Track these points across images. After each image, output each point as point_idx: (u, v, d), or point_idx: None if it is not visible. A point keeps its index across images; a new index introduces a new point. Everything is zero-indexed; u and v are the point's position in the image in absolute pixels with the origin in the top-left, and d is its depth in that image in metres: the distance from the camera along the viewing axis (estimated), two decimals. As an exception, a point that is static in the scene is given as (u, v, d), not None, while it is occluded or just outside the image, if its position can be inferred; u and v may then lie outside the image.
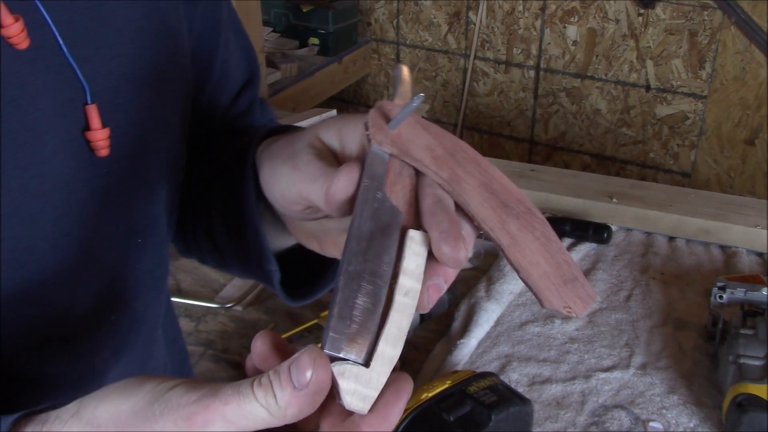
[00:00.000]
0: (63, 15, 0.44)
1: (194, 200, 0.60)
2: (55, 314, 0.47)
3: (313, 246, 0.50)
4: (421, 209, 0.38)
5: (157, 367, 0.60)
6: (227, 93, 0.63)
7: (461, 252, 0.36)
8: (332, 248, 0.49)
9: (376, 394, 0.35)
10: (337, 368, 0.34)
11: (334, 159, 0.43)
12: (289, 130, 0.53)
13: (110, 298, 0.51)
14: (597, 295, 0.34)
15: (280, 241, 0.55)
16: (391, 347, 0.35)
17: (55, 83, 0.44)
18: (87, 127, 0.46)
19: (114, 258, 0.51)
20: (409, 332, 0.37)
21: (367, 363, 0.35)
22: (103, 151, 0.47)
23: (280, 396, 0.32)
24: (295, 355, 0.33)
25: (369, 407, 0.34)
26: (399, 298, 0.36)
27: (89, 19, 0.46)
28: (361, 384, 0.34)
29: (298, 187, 0.43)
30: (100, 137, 0.46)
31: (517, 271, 0.38)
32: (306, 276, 0.57)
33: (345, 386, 0.34)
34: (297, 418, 0.33)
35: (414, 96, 0.38)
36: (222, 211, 0.55)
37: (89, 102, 0.46)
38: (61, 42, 0.44)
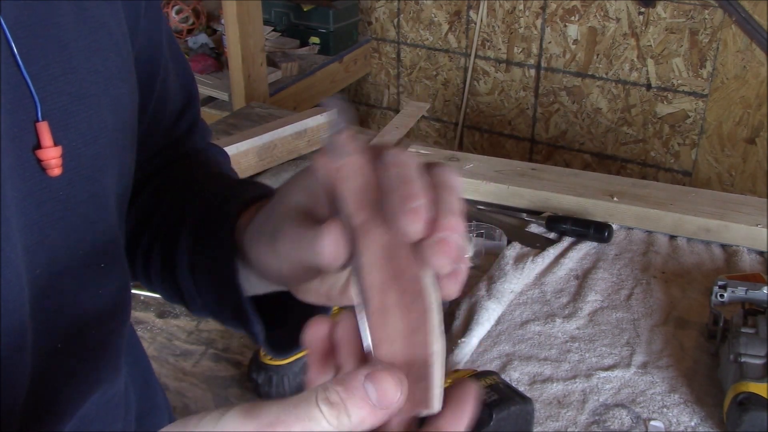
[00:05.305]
0: (12, 31, 0.42)
1: (153, 234, 0.59)
2: (6, 345, 0.44)
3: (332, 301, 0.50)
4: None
5: (116, 395, 0.56)
6: (168, 114, 0.62)
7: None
8: (345, 297, 0.48)
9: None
10: None
11: (309, 216, 0.42)
12: (262, 198, 0.53)
13: (65, 328, 0.49)
14: (438, 405, 0.33)
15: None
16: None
17: (6, 101, 0.42)
18: (38, 146, 0.44)
19: (72, 284, 0.48)
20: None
21: None
22: (56, 170, 0.45)
23: (356, 414, 0.31)
24: (365, 370, 0.32)
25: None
26: None
27: (36, 36, 0.44)
28: None
29: (294, 256, 0.42)
30: (52, 155, 0.44)
31: (369, 340, 0.35)
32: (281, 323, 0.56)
33: None
34: (367, 428, 0.32)
35: (329, 126, 0.37)
36: (200, 266, 0.53)
37: (40, 119, 0.44)
38: (18, 58, 0.42)
